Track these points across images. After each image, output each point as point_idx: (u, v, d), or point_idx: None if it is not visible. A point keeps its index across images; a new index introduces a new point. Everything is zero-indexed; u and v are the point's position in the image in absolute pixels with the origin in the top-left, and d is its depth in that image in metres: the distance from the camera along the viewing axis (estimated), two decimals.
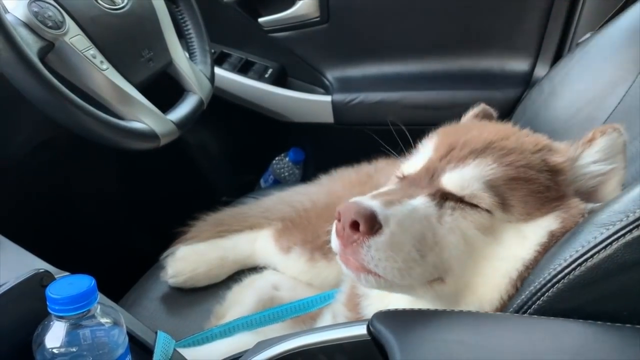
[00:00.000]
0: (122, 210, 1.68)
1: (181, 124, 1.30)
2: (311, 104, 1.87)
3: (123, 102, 1.19)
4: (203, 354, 0.99)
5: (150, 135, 1.21)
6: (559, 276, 0.66)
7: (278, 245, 1.31)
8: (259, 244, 1.35)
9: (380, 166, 1.40)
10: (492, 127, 0.86)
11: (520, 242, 0.72)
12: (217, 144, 1.98)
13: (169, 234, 1.42)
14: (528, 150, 0.78)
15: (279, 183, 1.98)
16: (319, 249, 1.24)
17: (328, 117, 1.86)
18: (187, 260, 1.30)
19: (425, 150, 0.84)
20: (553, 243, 0.70)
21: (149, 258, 1.41)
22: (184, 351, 0.99)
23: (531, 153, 0.77)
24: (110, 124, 1.12)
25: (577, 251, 0.65)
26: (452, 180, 0.75)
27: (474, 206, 0.73)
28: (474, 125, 0.94)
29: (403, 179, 0.83)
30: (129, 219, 1.68)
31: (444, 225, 0.72)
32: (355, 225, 0.68)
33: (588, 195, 0.77)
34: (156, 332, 0.81)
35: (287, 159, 2.00)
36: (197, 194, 1.85)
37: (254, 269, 1.34)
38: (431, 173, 0.77)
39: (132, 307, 1.24)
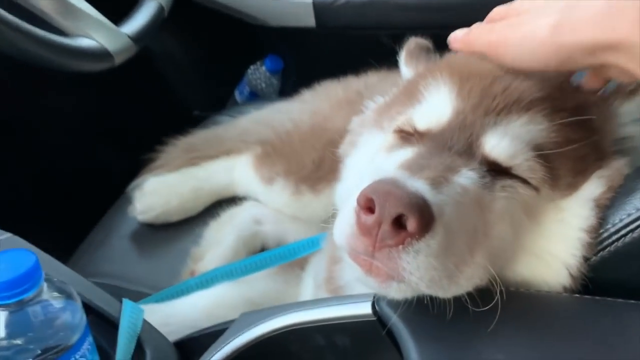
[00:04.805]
0: (84, 134, 1.53)
1: (138, 37, 1.15)
2: (290, 5, 1.69)
3: (66, 14, 1.03)
4: (179, 309, 0.90)
5: (102, 54, 1.05)
6: (605, 243, 0.56)
7: (259, 174, 1.21)
8: (237, 172, 1.24)
9: (370, 82, 1.27)
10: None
11: (562, 232, 0.58)
12: (185, 53, 1.82)
13: (137, 159, 1.30)
14: (579, 103, 0.62)
15: (256, 95, 1.86)
16: (305, 180, 1.13)
17: (309, 20, 1.68)
18: (157, 193, 1.19)
19: (441, 96, 0.65)
20: (600, 214, 0.57)
21: (117, 187, 1.30)
22: (157, 306, 0.91)
23: (581, 106, 0.62)
24: (52, 43, 0.97)
25: (629, 215, 0.54)
26: (499, 145, 0.59)
27: (523, 181, 0.58)
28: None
29: (421, 136, 0.64)
30: (91, 144, 1.54)
31: (494, 211, 0.56)
32: (398, 221, 0.49)
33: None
34: (121, 301, 0.71)
35: (263, 68, 1.85)
36: (166, 110, 1.71)
37: (232, 200, 1.23)
38: (468, 132, 0.60)
39: (99, 248, 1.15)
